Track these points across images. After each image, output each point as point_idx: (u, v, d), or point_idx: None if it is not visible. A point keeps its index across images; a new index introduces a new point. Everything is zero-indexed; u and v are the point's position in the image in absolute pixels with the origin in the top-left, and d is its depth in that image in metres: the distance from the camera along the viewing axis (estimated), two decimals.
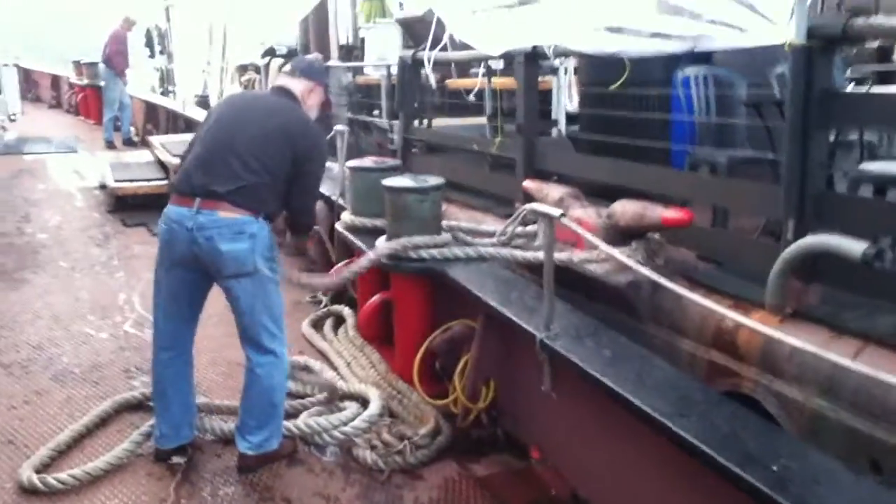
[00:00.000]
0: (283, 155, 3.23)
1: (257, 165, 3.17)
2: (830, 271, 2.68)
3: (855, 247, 2.40)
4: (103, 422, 3.76)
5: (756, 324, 2.35)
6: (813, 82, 2.63)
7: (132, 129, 13.95)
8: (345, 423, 3.59)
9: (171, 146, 9.41)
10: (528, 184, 3.89)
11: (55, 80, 21.05)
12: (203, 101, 11.79)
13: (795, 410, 2.54)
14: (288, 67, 3.60)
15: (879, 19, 2.44)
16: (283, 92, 3.47)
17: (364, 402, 3.83)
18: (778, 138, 3.80)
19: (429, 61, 5.15)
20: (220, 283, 3.27)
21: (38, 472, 3.25)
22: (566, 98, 4.78)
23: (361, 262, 3.84)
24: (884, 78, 4.34)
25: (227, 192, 3.12)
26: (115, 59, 13.08)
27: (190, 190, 3.16)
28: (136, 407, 3.88)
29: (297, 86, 3.48)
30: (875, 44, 4.35)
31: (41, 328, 5.08)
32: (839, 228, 2.59)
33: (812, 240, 2.57)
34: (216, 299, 3.37)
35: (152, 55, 16.54)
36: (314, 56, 7.89)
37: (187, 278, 3.27)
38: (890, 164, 3.50)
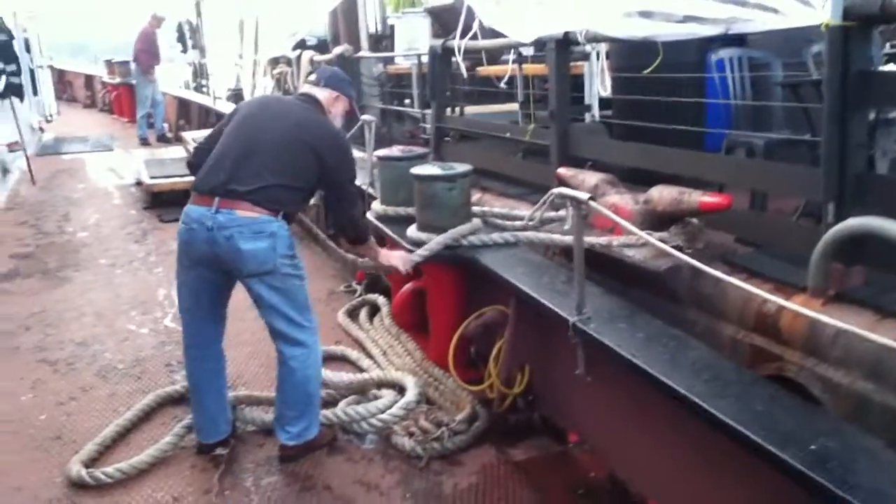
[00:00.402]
0: (308, 162, 3.25)
1: (279, 167, 3.19)
2: (873, 253, 2.63)
3: None
4: (146, 416, 3.84)
5: (802, 308, 2.32)
6: (850, 63, 2.57)
7: (165, 125, 14.13)
8: (382, 411, 3.62)
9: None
10: (563, 171, 3.86)
11: (88, 80, 21.42)
12: (237, 95, 11.88)
13: (841, 394, 2.51)
14: (313, 77, 3.62)
15: None
16: (309, 99, 3.50)
17: (401, 390, 3.86)
18: (816, 119, 3.72)
19: (459, 50, 5.11)
20: (241, 282, 3.30)
21: (86, 466, 3.34)
22: (599, 83, 4.68)
23: (428, 248, 3.81)
24: None
25: (247, 192, 3.13)
26: (141, 57, 13.22)
27: (209, 189, 3.18)
28: (177, 400, 3.96)
29: (322, 94, 3.51)
30: None
31: (85, 325, 5.20)
32: (880, 210, 2.55)
33: (854, 222, 2.51)
34: None
35: (185, 50, 16.66)
36: (344, 47, 7.89)
37: (208, 277, 3.30)
38: None
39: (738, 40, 4.09)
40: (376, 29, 9.45)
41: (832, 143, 2.67)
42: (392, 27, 8.99)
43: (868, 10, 2.52)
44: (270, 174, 3.17)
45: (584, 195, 2.71)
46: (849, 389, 2.48)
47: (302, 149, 3.25)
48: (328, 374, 4.06)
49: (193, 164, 3.47)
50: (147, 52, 13.25)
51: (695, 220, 3.23)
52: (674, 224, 3.23)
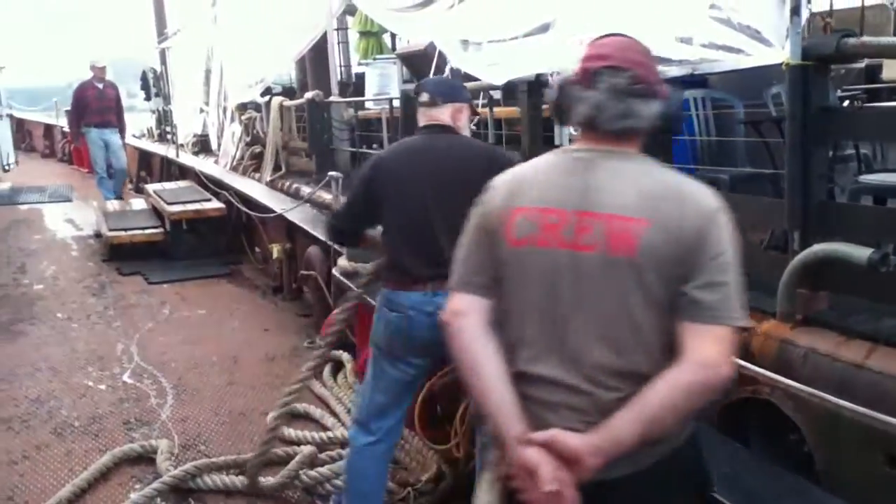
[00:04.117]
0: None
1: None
2: (836, 278, 2.71)
3: (861, 253, 2.46)
4: (104, 476, 3.73)
5: None
6: (810, 99, 2.69)
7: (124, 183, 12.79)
8: None
9: (165, 194, 9.46)
10: None
11: (48, 130, 21.16)
12: (202, 141, 11.90)
13: (811, 412, 2.56)
14: (426, 97, 3.10)
15: (869, 39, 2.53)
16: (438, 128, 3.07)
17: None
18: (777, 154, 3.87)
19: None
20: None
21: None
22: None
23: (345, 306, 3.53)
24: (872, 97, 4.39)
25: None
26: (69, 115, 12.00)
27: (415, 274, 2.91)
28: (135, 460, 3.87)
29: (445, 114, 3.06)
30: (863, 64, 4.41)
31: (40, 381, 5.06)
32: (841, 237, 2.66)
33: (819, 248, 2.63)
34: (215, 340, 3.35)
35: (148, 98, 16.55)
36: (315, 93, 7.88)
37: (419, 365, 3.05)
38: (888, 175, 3.56)
39: (701, 82, 4.23)
40: (346, 76, 9.60)
41: (795, 174, 2.77)
42: (359, 75, 9.15)
43: (824, 51, 2.66)
44: None
45: None
46: (819, 407, 2.53)
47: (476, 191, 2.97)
48: (290, 432, 4.02)
49: (344, 232, 3.29)
50: (75, 110, 11.43)
51: None
52: None
